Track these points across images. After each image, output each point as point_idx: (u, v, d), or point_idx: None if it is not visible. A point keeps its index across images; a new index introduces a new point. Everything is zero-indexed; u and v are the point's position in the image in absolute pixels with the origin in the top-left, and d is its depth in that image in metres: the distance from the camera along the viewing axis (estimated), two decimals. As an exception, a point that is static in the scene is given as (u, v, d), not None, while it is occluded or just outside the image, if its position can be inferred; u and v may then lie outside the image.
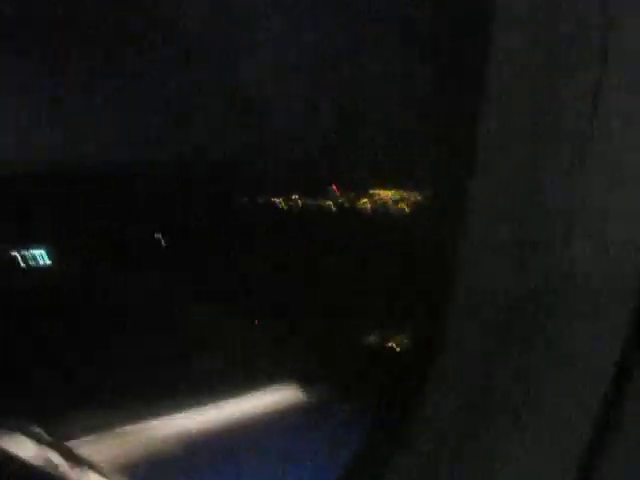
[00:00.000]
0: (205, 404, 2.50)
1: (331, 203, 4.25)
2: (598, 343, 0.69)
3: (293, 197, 4.33)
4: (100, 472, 1.27)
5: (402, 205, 3.99)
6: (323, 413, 2.64)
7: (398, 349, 3.16)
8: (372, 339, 3.31)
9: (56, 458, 1.26)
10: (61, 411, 2.19)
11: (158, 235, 4.19)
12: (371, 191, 4.29)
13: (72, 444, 1.76)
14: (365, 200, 4.13)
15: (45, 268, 3.73)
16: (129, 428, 2.25)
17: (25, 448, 1.29)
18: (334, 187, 3.46)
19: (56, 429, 1.93)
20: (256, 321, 3.28)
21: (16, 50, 2.51)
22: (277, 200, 4.31)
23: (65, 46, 2.47)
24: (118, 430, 2.19)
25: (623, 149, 0.68)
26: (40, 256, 3.65)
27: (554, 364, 0.71)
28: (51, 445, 1.30)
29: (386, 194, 4.42)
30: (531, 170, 0.70)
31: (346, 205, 4.20)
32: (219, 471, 2.36)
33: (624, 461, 0.69)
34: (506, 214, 0.72)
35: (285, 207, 4.26)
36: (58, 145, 3.05)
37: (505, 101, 0.71)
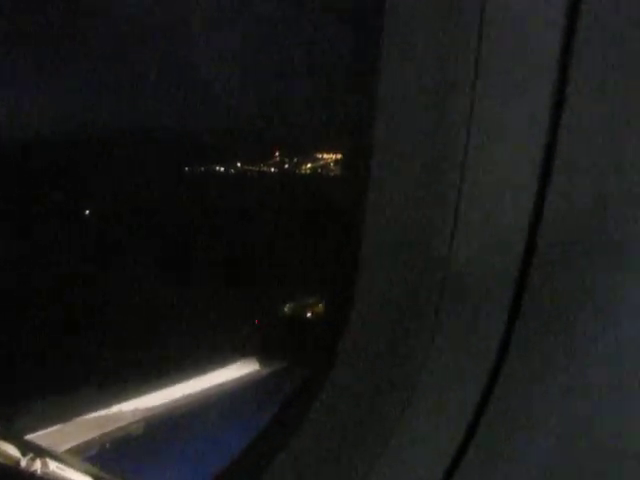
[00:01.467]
0: (165, 385, 2.50)
1: (273, 168, 4.24)
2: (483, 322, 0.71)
3: (237, 164, 4.32)
4: (62, 461, 1.27)
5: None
6: (279, 385, 2.69)
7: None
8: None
9: (14, 452, 1.26)
10: (16, 403, 2.17)
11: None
12: (316, 154, 4.28)
13: (31, 436, 1.76)
14: (306, 164, 4.13)
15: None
16: (90, 414, 2.25)
17: (-20, 444, 1.28)
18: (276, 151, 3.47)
19: (12, 422, 1.92)
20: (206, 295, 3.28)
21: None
22: (221, 168, 4.29)
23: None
24: (79, 417, 2.19)
25: None
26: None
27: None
28: (8, 439, 1.29)
29: (329, 157, 4.42)
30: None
31: (288, 169, 4.19)
32: (180, 450, 2.39)
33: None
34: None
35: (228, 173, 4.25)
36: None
37: None
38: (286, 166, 4.22)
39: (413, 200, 0.71)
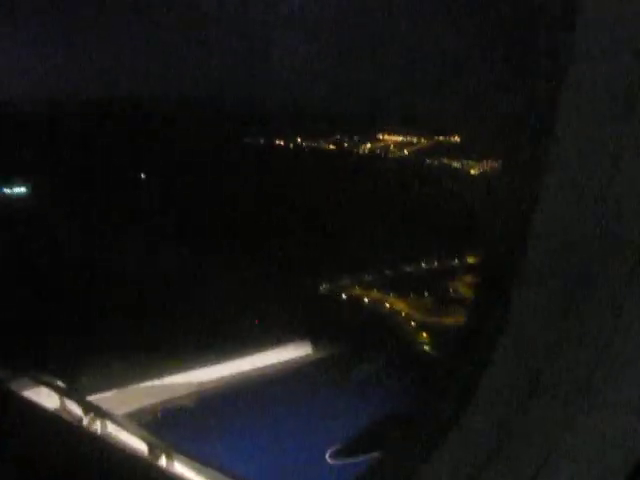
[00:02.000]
0: (219, 360, 2.55)
1: (334, 147, 4.22)
2: None
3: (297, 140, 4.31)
4: (118, 423, 1.32)
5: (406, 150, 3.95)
6: (338, 371, 2.70)
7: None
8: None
9: (77, 410, 1.31)
10: (81, 365, 2.25)
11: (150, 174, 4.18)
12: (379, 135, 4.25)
13: (92, 397, 1.82)
14: (368, 145, 4.11)
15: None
16: (146, 382, 2.32)
17: (48, 400, 1.34)
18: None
19: (76, 383, 2.00)
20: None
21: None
22: (281, 142, 4.30)
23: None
24: (135, 384, 2.26)
25: None
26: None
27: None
28: (72, 397, 1.35)
29: (392, 139, 4.38)
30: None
31: (348, 149, 4.17)
32: (231, 425, 2.43)
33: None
34: None
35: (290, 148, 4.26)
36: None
37: None
38: (345, 145, 4.21)
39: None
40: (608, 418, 0.71)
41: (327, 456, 2.31)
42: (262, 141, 4.51)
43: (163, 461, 1.20)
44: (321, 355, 2.57)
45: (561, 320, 0.73)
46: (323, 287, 3.84)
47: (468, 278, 4.03)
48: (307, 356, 2.56)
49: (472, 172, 4.64)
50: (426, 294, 3.81)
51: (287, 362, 2.54)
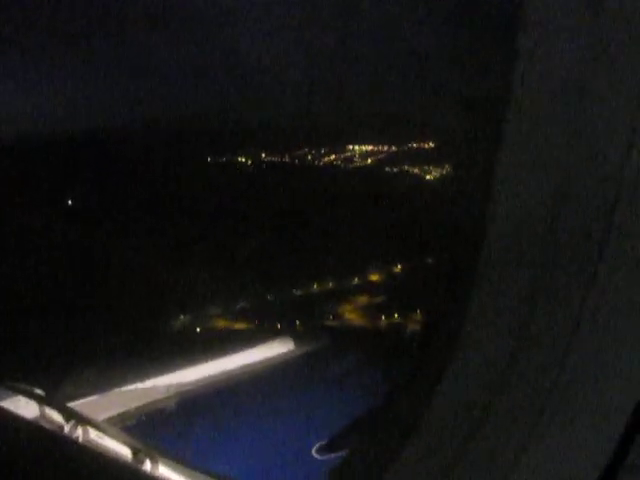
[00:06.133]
0: (201, 361, 2.54)
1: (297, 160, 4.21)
2: None
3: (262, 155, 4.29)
4: (100, 429, 1.30)
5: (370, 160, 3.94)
6: (318, 368, 2.70)
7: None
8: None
9: (57, 418, 1.29)
10: (60, 372, 2.23)
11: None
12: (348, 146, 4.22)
13: (73, 404, 1.80)
14: (332, 156, 4.09)
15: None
16: (128, 386, 2.29)
17: (27, 409, 1.32)
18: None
19: (56, 390, 1.97)
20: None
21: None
22: (244, 159, 4.28)
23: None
24: (117, 388, 2.24)
25: None
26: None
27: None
28: (52, 405, 1.33)
29: (361, 149, 4.35)
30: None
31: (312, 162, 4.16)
32: (215, 424, 2.42)
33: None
34: None
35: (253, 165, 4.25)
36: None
37: None
38: (309, 157, 4.20)
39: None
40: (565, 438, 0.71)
41: (313, 451, 2.31)
42: (225, 159, 4.47)
43: (147, 465, 1.18)
44: (304, 351, 2.57)
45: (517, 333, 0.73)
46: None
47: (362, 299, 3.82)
48: (290, 352, 2.55)
49: (428, 178, 4.56)
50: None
51: (270, 359, 2.54)
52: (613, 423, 0.69)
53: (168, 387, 2.32)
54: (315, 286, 3.71)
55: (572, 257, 0.69)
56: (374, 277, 3.99)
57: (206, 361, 2.47)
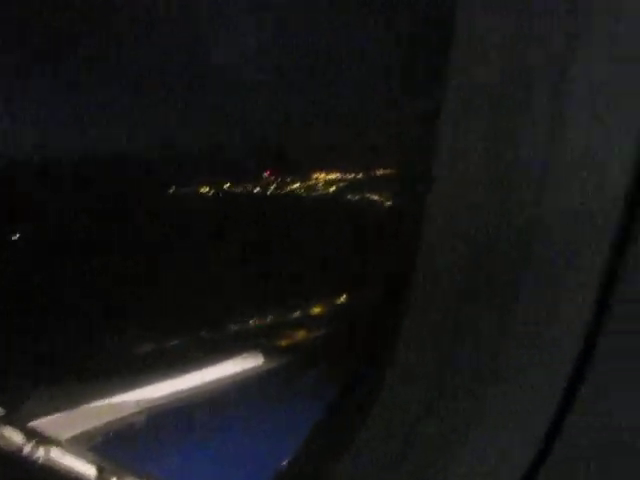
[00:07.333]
0: (169, 376, 2.51)
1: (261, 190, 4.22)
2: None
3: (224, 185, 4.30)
4: (64, 448, 1.27)
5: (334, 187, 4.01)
6: (286, 382, 2.68)
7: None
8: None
9: (17, 437, 1.26)
10: (21, 389, 2.17)
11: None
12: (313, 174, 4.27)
13: (34, 423, 1.76)
14: (297, 184, 4.12)
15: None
16: (94, 403, 2.25)
17: (-14, 429, 1.28)
18: (267, 173, 3.48)
19: (17, 408, 1.92)
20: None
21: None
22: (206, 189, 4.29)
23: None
24: (82, 405, 2.20)
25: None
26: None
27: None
28: (12, 424, 1.30)
29: (326, 177, 4.39)
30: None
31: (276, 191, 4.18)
32: (184, 440, 2.39)
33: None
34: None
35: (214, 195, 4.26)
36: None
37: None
38: (274, 185, 4.22)
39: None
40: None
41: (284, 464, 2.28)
42: (184, 190, 4.42)
43: (113, 484, 1.16)
44: (272, 365, 2.55)
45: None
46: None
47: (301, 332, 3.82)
48: (258, 367, 2.53)
49: (387, 204, 4.58)
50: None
51: (238, 374, 2.51)
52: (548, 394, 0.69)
53: (137, 403, 2.29)
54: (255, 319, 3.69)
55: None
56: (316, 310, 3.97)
57: (176, 376, 2.45)
